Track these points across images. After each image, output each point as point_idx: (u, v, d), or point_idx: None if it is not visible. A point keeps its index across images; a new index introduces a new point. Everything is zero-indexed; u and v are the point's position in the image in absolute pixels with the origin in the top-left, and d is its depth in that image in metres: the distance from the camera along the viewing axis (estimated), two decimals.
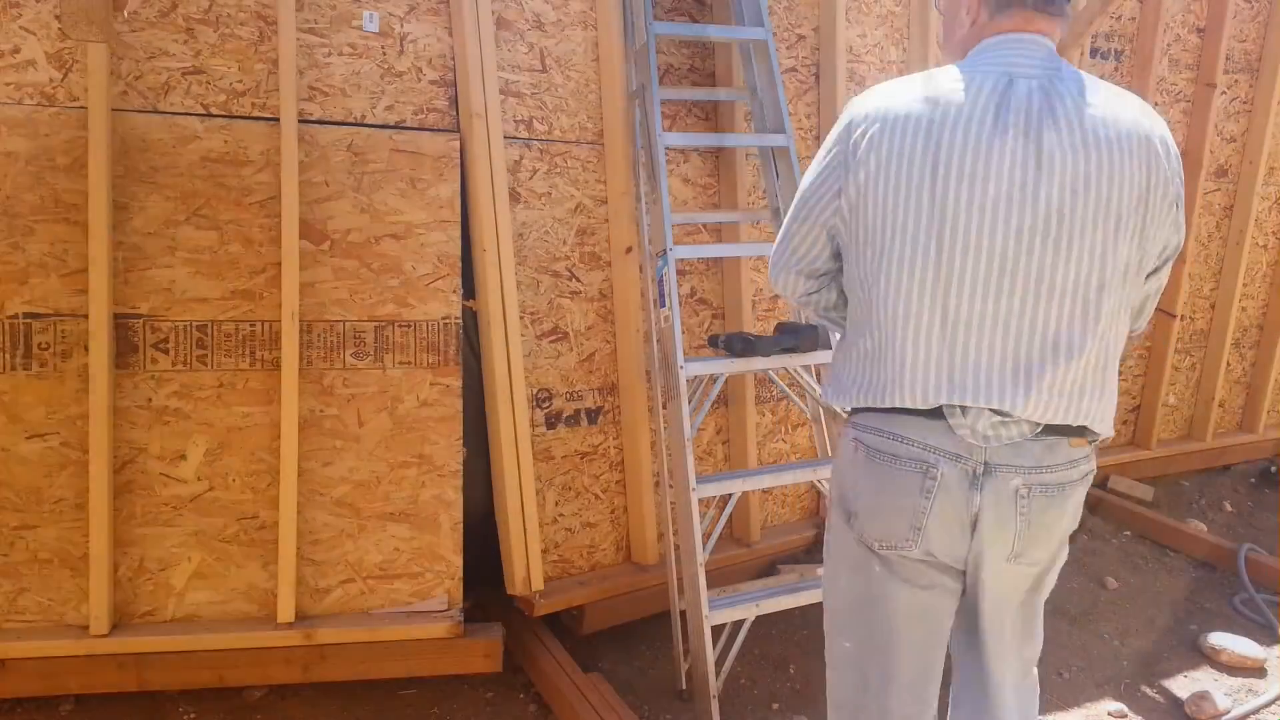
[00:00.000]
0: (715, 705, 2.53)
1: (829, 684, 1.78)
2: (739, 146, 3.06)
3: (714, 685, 2.54)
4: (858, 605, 1.69)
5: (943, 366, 1.51)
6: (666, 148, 2.86)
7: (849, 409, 1.67)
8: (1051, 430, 1.54)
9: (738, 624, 2.67)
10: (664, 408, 2.76)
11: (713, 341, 2.84)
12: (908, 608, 1.64)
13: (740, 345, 2.70)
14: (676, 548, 2.72)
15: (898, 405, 1.55)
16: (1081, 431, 1.57)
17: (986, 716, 1.72)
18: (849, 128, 1.58)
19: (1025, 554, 1.58)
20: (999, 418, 1.51)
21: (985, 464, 1.53)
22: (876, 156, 1.52)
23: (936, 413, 1.53)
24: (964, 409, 1.51)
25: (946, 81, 1.54)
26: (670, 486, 2.82)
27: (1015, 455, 1.53)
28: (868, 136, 1.54)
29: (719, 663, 2.60)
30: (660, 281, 2.67)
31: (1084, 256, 1.49)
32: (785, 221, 1.71)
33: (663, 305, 2.66)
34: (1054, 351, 1.50)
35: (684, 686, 2.76)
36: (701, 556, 2.56)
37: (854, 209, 1.57)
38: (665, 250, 2.64)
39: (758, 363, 2.78)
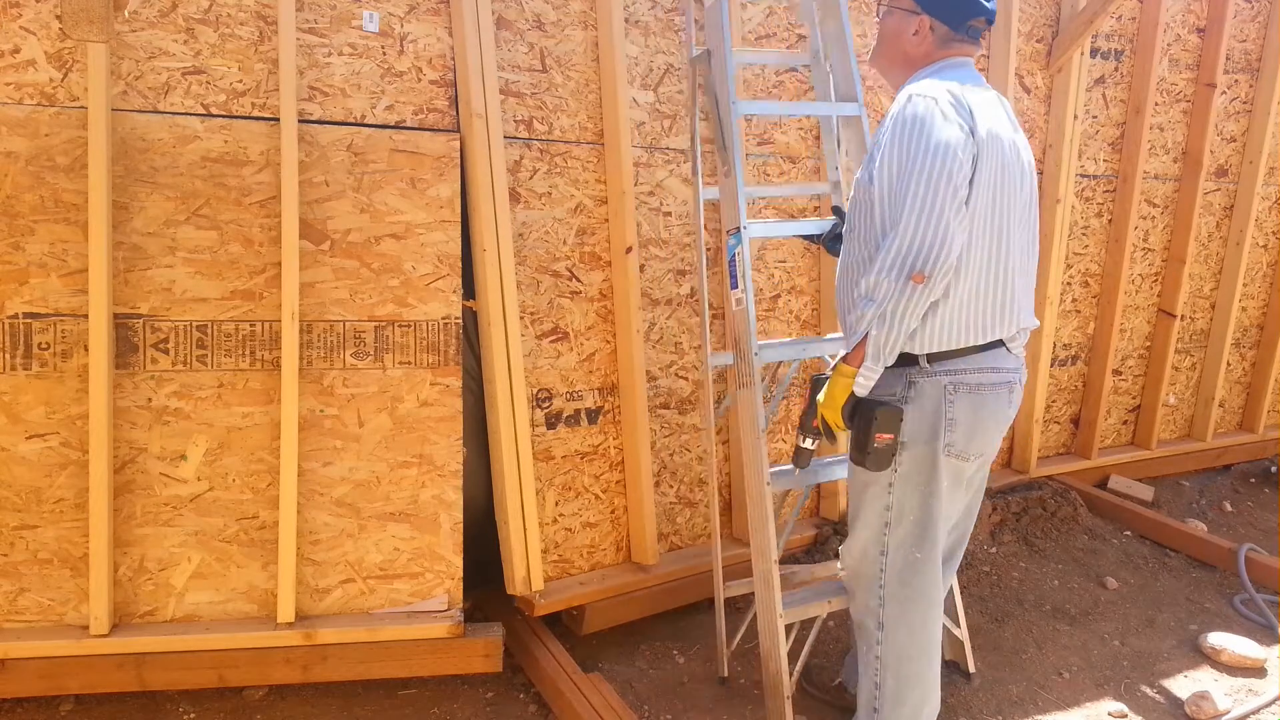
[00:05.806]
0: (789, 706, 2.44)
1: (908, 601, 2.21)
2: (811, 115, 2.98)
3: (788, 685, 2.44)
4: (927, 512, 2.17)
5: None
6: (742, 116, 2.66)
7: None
8: None
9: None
10: (715, 400, 2.67)
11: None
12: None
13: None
14: (723, 536, 2.82)
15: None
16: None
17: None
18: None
19: None
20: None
21: None
22: None
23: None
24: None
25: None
26: (715, 477, 2.87)
27: None
28: None
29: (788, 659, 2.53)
30: (731, 262, 2.53)
31: None
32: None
33: (734, 287, 2.51)
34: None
35: (725, 674, 2.77)
36: (775, 553, 2.46)
37: None
38: (739, 228, 2.49)
39: (828, 346, 2.77)
